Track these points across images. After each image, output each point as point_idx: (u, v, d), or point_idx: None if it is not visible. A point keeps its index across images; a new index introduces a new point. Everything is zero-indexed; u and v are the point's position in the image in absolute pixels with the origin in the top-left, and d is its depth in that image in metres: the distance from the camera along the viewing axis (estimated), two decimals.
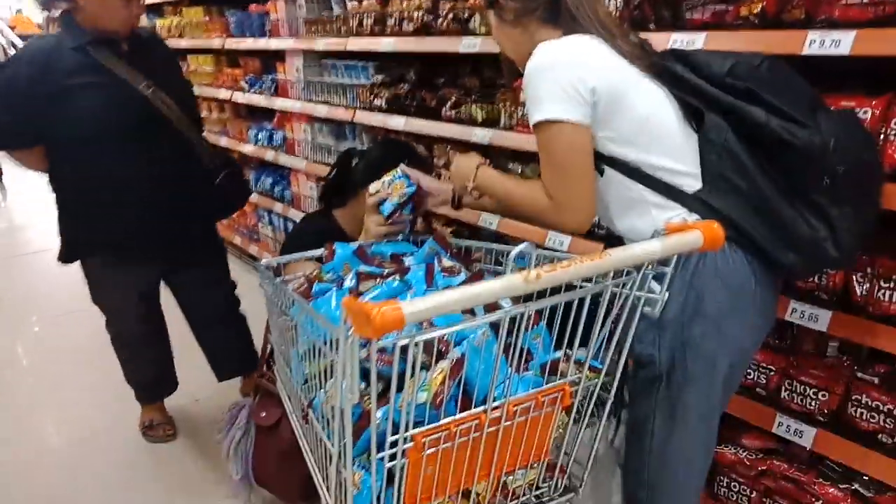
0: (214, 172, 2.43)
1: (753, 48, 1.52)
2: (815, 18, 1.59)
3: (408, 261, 1.56)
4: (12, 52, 12.16)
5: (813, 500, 1.71)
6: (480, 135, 2.39)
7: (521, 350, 1.25)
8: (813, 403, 1.70)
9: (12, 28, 14.11)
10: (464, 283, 1.44)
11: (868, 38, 1.42)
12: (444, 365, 1.16)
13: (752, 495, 1.84)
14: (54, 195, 2.34)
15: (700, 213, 1.37)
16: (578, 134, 1.36)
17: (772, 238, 1.35)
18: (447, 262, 1.50)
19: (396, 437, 1.09)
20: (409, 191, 1.74)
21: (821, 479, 1.71)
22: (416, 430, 1.10)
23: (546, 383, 1.25)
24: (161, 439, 2.68)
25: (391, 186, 1.75)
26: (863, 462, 1.61)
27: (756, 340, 1.49)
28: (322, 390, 1.28)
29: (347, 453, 1.09)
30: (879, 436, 1.60)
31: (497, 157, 2.63)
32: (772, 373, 1.77)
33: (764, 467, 1.81)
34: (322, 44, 3.14)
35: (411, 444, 1.10)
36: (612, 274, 1.22)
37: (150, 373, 2.69)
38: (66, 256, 2.37)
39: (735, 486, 1.86)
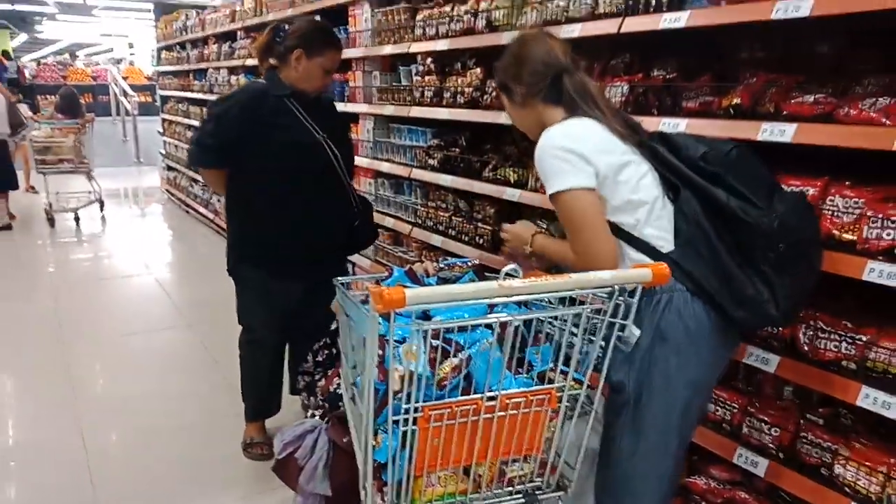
0: (356, 214, 2.90)
1: (724, 134, 1.88)
2: (781, 112, 1.94)
3: None
4: (123, 100, 13.51)
5: None
6: (511, 193, 2.78)
7: (522, 359, 1.59)
8: (767, 438, 1.95)
9: (125, 78, 15.65)
10: None
11: (806, 131, 1.75)
12: (454, 360, 1.52)
13: None
14: (229, 215, 2.85)
15: (670, 269, 1.63)
16: (588, 195, 1.66)
17: (725, 295, 1.63)
18: None
19: (409, 405, 1.43)
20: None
21: None
22: (426, 404, 1.45)
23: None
24: (258, 457, 2.92)
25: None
26: (808, 493, 1.85)
27: (709, 378, 1.77)
28: (363, 372, 1.65)
29: (371, 412, 1.44)
30: (821, 469, 1.85)
31: (530, 214, 3.01)
32: (735, 410, 2.04)
33: (728, 495, 2.06)
34: (390, 109, 3.64)
35: (421, 414, 1.45)
36: (589, 301, 1.53)
37: (267, 387, 2.99)
38: (235, 268, 2.83)
39: None
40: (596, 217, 1.67)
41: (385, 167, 3.75)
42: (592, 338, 1.58)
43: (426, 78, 3.37)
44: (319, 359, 2.63)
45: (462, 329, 1.53)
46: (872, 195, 1.70)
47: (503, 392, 1.53)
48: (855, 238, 1.70)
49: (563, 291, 1.46)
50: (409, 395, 1.44)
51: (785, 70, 2.05)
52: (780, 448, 1.93)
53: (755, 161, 1.71)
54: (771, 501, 1.99)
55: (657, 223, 1.71)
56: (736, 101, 2.04)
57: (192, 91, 7.67)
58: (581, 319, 1.54)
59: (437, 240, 3.34)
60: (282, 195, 2.67)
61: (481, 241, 3.05)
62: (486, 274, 2.09)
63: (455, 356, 1.56)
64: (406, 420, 1.47)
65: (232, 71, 6.46)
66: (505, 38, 2.73)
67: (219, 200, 7.26)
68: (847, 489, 1.75)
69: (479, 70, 3.04)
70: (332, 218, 2.79)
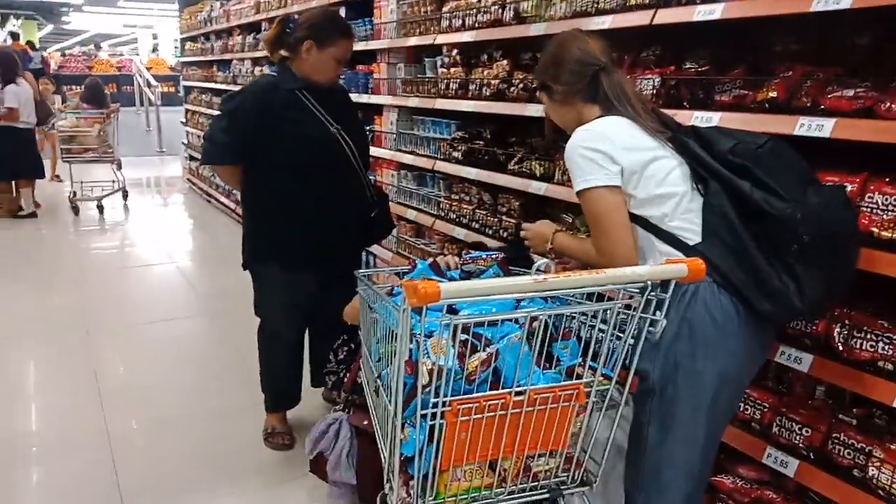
0: (372, 206, 2.89)
1: (760, 128, 1.84)
2: (818, 106, 1.89)
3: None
4: (147, 90, 13.62)
5: None
6: (537, 186, 2.76)
7: (549, 354, 1.57)
8: (798, 438, 1.92)
9: (149, 69, 15.78)
10: None
11: (845, 126, 1.71)
12: (483, 354, 1.51)
13: None
14: (244, 209, 2.86)
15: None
16: (612, 195, 1.72)
17: (751, 287, 1.62)
18: None
19: (438, 399, 1.42)
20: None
21: None
22: (454, 398, 1.44)
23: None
24: (280, 447, 2.93)
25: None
26: (839, 494, 1.81)
27: (739, 371, 1.74)
28: (390, 366, 1.64)
29: (399, 405, 1.43)
30: (854, 471, 1.81)
31: (554, 207, 2.99)
32: (766, 409, 2.00)
33: (756, 495, 2.03)
34: (415, 101, 3.62)
35: (449, 408, 1.44)
36: (620, 296, 1.53)
37: (286, 380, 3.00)
38: (249, 263, 2.83)
39: None
40: (618, 216, 1.72)
41: (408, 159, 3.74)
42: (621, 334, 1.57)
43: (452, 70, 3.35)
44: (340, 356, 2.64)
45: (491, 324, 1.52)
46: None
47: (531, 387, 1.53)
48: (895, 236, 1.66)
49: (598, 287, 1.44)
50: (437, 389, 1.44)
51: (821, 62, 2.00)
52: (811, 448, 1.90)
53: (791, 154, 1.69)
54: (800, 502, 1.96)
55: (685, 216, 1.72)
56: (772, 94, 2.00)
57: (216, 82, 7.70)
58: (611, 315, 1.54)
59: (460, 232, 3.32)
60: (295, 189, 2.66)
61: (505, 234, 3.03)
62: (511, 268, 2.08)
63: (483, 350, 1.55)
64: (434, 414, 1.46)
65: (256, 62, 6.48)
66: (533, 29, 2.71)
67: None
68: (881, 492, 1.72)
69: (505, 62, 3.01)
70: (346, 211, 2.77)
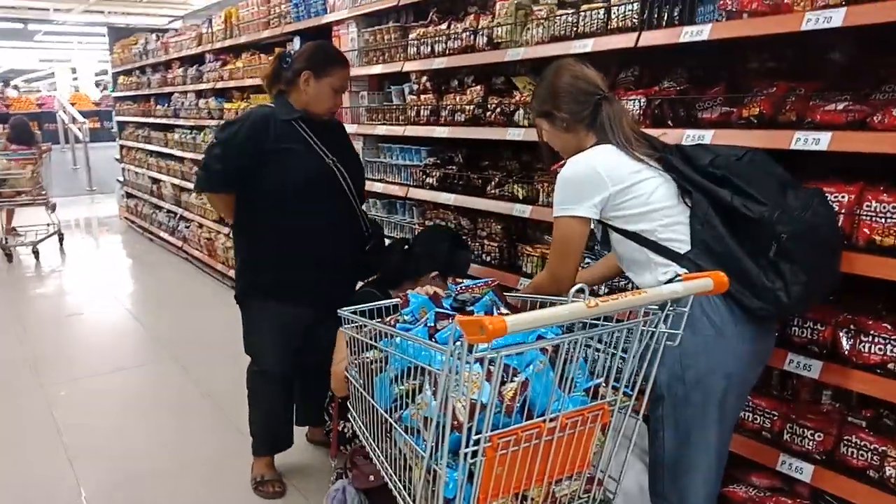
0: (367, 238, 2.83)
1: (754, 144, 1.90)
2: (804, 120, 1.97)
3: (469, 309, 1.90)
4: (73, 126, 13.11)
5: None
6: (520, 209, 2.77)
7: (569, 378, 1.58)
8: (811, 444, 1.96)
9: (73, 104, 15.20)
10: None
11: (841, 139, 1.78)
12: (514, 385, 1.48)
13: None
14: (237, 241, 2.78)
15: (689, 269, 1.74)
16: (581, 226, 1.86)
17: (741, 288, 1.71)
18: (504, 311, 1.85)
19: (479, 436, 1.39)
20: None
21: None
22: (494, 433, 1.41)
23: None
24: (272, 496, 2.79)
25: None
26: (858, 496, 1.86)
27: (744, 370, 1.80)
28: (413, 405, 1.60)
29: (445, 447, 1.39)
30: (868, 471, 1.86)
31: (535, 228, 3.01)
32: (776, 418, 2.05)
33: (771, 503, 2.06)
34: (382, 129, 3.60)
35: (489, 444, 1.41)
36: (642, 314, 1.55)
37: (281, 421, 2.89)
38: (241, 297, 2.75)
39: None
40: (578, 244, 1.89)
41: (379, 187, 3.70)
42: (623, 353, 1.59)
43: (422, 97, 3.34)
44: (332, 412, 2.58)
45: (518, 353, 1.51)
46: None
47: (564, 412, 1.51)
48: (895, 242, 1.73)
49: (641, 305, 1.46)
50: (475, 427, 1.41)
51: (797, 78, 2.10)
52: (825, 453, 1.94)
53: (768, 163, 1.82)
54: None
55: (675, 227, 1.82)
56: (758, 110, 2.07)
57: (155, 116, 7.48)
58: (635, 332, 1.56)
59: None
60: (290, 221, 2.61)
61: (488, 258, 3.03)
62: (506, 294, 2.06)
63: (511, 380, 1.53)
64: (475, 452, 1.43)
65: (200, 94, 6.33)
66: (510, 54, 2.73)
67: (187, 227, 7.09)
68: None
69: (479, 87, 3.02)
70: (342, 243, 2.72)
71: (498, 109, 2.86)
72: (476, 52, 2.93)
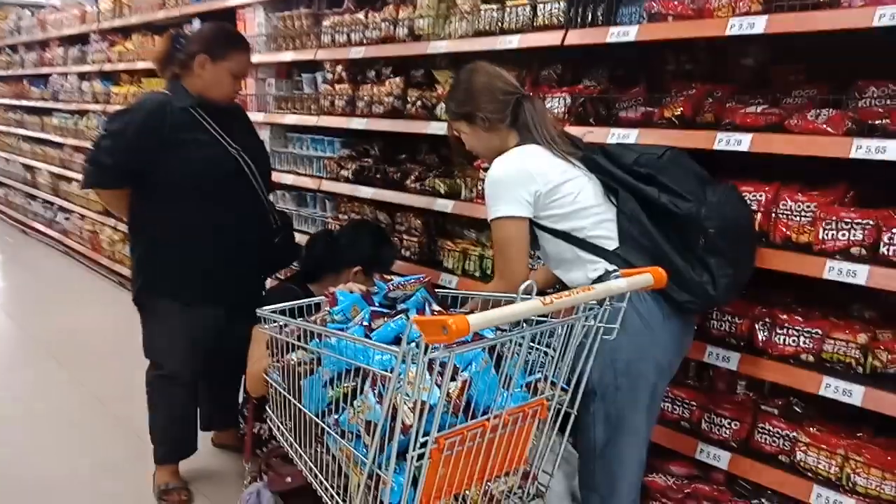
0: (276, 231, 2.67)
1: (677, 144, 1.96)
2: (721, 121, 2.05)
3: (401, 307, 1.84)
4: None
5: None
6: (442, 204, 2.74)
7: (508, 375, 1.56)
8: (727, 432, 2.05)
9: None
10: None
11: (761, 140, 1.86)
12: (457, 384, 1.44)
13: None
14: (134, 239, 2.57)
15: (618, 265, 1.78)
16: (517, 225, 1.84)
17: (670, 282, 1.71)
18: (436, 308, 1.80)
19: (426, 438, 1.34)
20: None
21: (735, 498, 2.06)
22: (440, 434, 1.37)
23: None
24: None
25: None
26: (772, 480, 1.95)
27: (672, 360, 1.86)
28: (350, 408, 1.52)
29: (393, 452, 1.34)
30: (780, 456, 1.97)
31: (455, 223, 2.99)
32: (694, 408, 2.13)
33: (689, 490, 2.14)
34: (293, 118, 3.46)
35: (435, 445, 1.36)
36: (582, 309, 1.56)
37: (185, 427, 2.71)
38: (141, 298, 2.55)
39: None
40: (521, 243, 1.86)
41: (289, 179, 3.56)
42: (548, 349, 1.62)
43: (337, 86, 3.23)
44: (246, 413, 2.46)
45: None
46: (822, 199, 1.84)
47: (506, 409, 1.50)
48: (811, 240, 1.83)
49: (591, 300, 1.48)
50: (423, 429, 1.37)
51: (712, 81, 2.19)
52: (739, 441, 2.04)
53: (688, 161, 1.88)
54: (731, 491, 2.09)
55: (603, 225, 1.85)
56: (679, 111, 2.13)
57: (31, 98, 6.89)
58: (576, 328, 1.58)
59: None
60: (191, 216, 2.44)
61: (408, 253, 2.97)
62: (436, 290, 2.03)
63: (453, 379, 1.49)
64: (421, 455, 1.38)
65: (83, 77, 5.87)
66: (432, 47, 2.69)
67: (67, 219, 6.58)
68: (809, 473, 1.88)
69: (398, 79, 2.96)
70: (248, 238, 2.57)
71: (419, 103, 2.82)
72: (397, 44, 2.87)
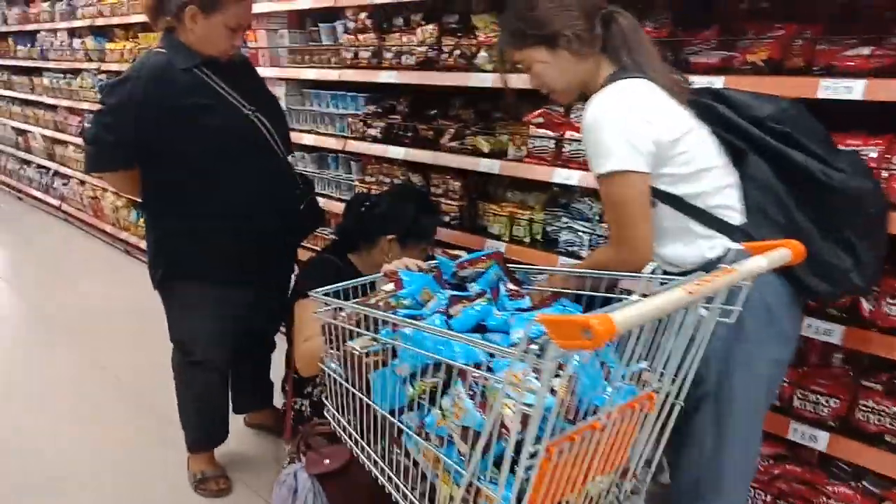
0: (300, 196, 2.44)
1: (771, 92, 1.71)
2: (812, 66, 1.81)
3: (472, 287, 1.63)
4: None
5: (825, 499, 1.89)
6: (488, 164, 2.50)
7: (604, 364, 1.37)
8: (824, 410, 1.88)
9: None
10: (532, 308, 1.53)
11: (877, 87, 1.62)
12: (563, 381, 1.24)
13: (767, 498, 2.00)
14: (151, 220, 2.34)
15: (742, 242, 1.50)
16: (642, 182, 1.49)
17: (805, 268, 1.46)
18: (511, 287, 1.59)
19: (537, 447, 1.15)
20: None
21: (832, 480, 1.90)
22: (550, 441, 1.18)
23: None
24: (217, 493, 2.50)
25: None
26: (871, 461, 1.80)
27: (789, 352, 1.64)
28: (437, 409, 1.33)
29: (505, 465, 1.16)
30: (885, 436, 1.80)
31: (496, 185, 2.76)
32: (785, 384, 1.94)
33: (778, 471, 1.98)
34: (312, 73, 3.18)
35: (546, 454, 1.18)
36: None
37: (214, 412, 2.56)
38: (164, 282, 2.33)
39: (751, 491, 2.01)
40: (645, 207, 1.50)
41: (309, 139, 3.31)
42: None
43: (360, 36, 2.95)
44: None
45: None
46: None
47: (616, 405, 1.30)
48: None
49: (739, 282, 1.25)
50: (534, 436, 1.18)
51: (790, 20, 1.93)
52: (838, 419, 1.86)
53: (812, 118, 1.57)
54: (826, 472, 1.93)
55: (724, 192, 1.55)
56: (766, 55, 1.89)
57: (17, 57, 6.53)
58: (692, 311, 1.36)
59: None
60: (212, 189, 2.20)
61: (447, 218, 2.75)
62: (509, 266, 1.81)
63: (557, 376, 1.30)
64: (529, 466, 1.20)
65: (73, 33, 5.52)
66: None
67: (65, 184, 6.31)
68: None
69: (431, 27, 2.68)
70: (273, 206, 2.33)
71: (457, 52, 2.55)
72: None
